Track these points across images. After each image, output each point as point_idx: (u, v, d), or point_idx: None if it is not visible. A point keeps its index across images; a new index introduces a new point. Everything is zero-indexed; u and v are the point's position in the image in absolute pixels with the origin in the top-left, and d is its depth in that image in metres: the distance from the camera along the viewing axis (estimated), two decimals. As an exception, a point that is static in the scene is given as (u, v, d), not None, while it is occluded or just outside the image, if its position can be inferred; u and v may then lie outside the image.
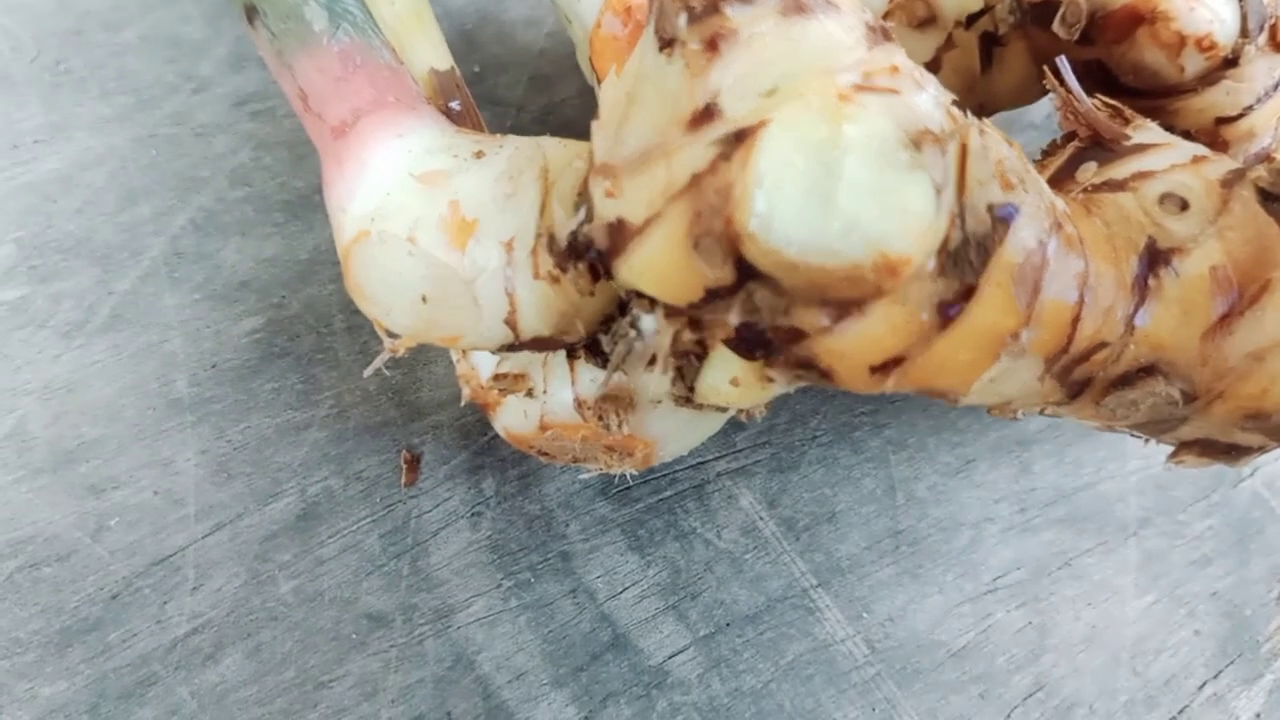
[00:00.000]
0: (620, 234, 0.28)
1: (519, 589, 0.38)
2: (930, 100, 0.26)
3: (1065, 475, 0.44)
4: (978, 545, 0.42)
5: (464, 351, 0.37)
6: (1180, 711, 0.41)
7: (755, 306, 0.27)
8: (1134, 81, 0.35)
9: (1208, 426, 0.30)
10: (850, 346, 0.27)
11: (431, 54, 0.37)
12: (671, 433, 0.34)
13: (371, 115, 0.33)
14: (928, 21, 0.40)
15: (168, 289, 0.41)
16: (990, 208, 0.26)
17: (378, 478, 0.39)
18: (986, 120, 0.28)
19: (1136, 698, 0.40)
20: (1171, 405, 0.29)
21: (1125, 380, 0.29)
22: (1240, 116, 0.35)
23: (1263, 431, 0.29)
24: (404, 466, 0.39)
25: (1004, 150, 0.27)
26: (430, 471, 0.39)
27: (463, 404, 0.37)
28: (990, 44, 0.39)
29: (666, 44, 0.27)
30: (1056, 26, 0.35)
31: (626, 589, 0.39)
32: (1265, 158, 0.37)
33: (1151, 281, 0.28)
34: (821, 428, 0.43)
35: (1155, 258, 0.28)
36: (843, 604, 0.40)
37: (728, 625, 0.39)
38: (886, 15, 0.40)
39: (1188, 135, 0.36)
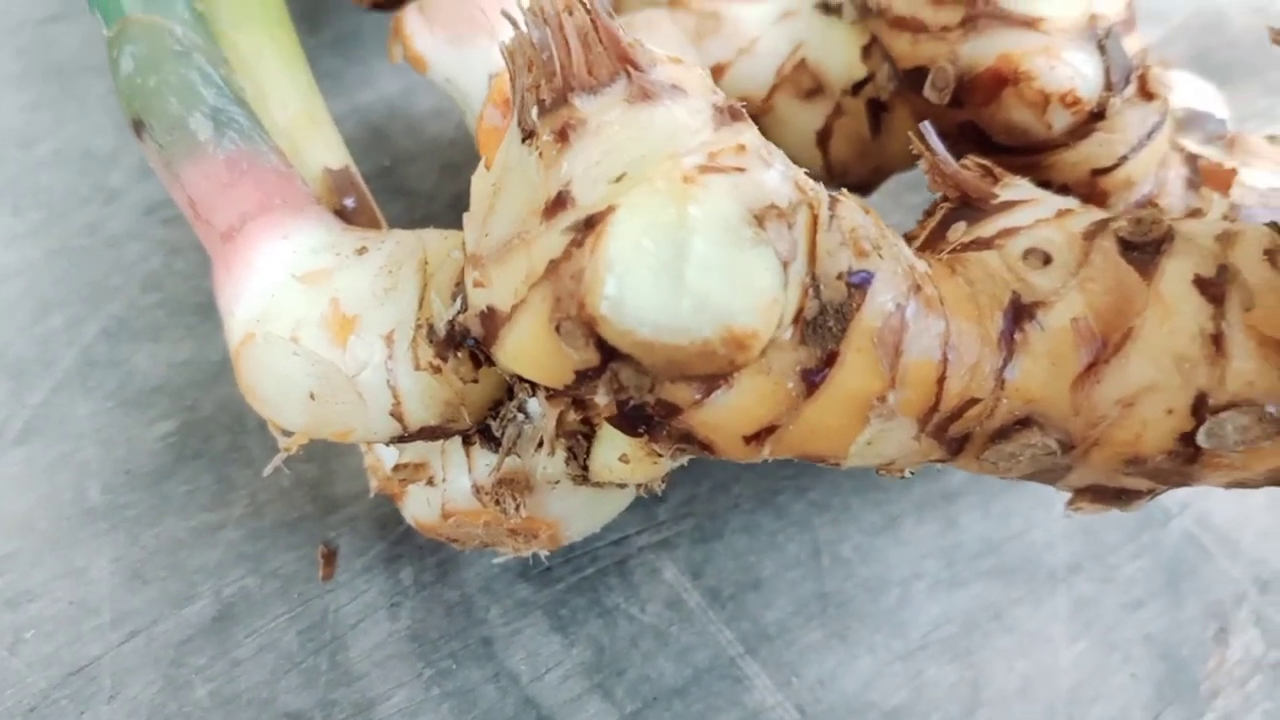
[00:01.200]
0: (492, 322, 0.28)
1: (440, 677, 0.38)
2: (777, 175, 0.27)
3: (992, 527, 0.45)
4: (906, 603, 0.42)
5: (368, 444, 0.37)
6: (1120, 759, 0.40)
7: (622, 385, 0.27)
8: (1007, 140, 0.35)
9: (1092, 473, 0.30)
10: (722, 418, 0.28)
11: (326, 153, 0.38)
12: (574, 512, 0.35)
13: (258, 219, 0.33)
14: (815, 91, 0.40)
15: (80, 398, 0.42)
16: (843, 275, 0.27)
17: (294, 574, 0.39)
18: (844, 191, 0.29)
19: (1075, 748, 0.40)
20: (1050, 455, 0.29)
21: (1002, 434, 0.29)
22: (1116, 166, 0.36)
23: (1144, 475, 0.30)
24: (321, 561, 0.39)
25: (859, 219, 0.28)
26: (347, 564, 0.39)
27: (371, 495, 0.38)
28: (877, 110, 0.40)
29: (528, 135, 0.28)
30: (927, 91, 0.35)
31: (550, 670, 0.39)
32: (1148, 204, 0.38)
33: (1018, 336, 0.29)
34: (744, 494, 0.44)
35: (1020, 312, 0.29)
36: (771, 670, 0.40)
37: (655, 700, 0.39)
38: (775, 88, 0.41)
39: (1065, 189, 0.36)
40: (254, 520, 0.40)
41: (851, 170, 0.42)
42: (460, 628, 0.39)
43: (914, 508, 0.44)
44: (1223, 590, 0.45)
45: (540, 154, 0.27)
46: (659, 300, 0.25)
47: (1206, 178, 0.38)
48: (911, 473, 0.31)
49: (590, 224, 0.26)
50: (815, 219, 0.27)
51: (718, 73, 0.41)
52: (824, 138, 0.41)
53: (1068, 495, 0.42)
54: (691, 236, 0.25)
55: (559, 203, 0.27)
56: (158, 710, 0.36)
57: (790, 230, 0.26)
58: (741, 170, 0.26)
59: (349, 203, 0.37)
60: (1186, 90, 0.44)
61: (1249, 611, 0.44)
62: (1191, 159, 0.39)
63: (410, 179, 0.49)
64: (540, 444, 0.32)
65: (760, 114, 0.41)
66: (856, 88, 0.40)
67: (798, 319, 0.27)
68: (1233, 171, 0.38)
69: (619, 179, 0.26)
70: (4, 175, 0.48)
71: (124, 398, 0.42)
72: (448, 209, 0.48)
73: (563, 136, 0.27)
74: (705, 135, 0.27)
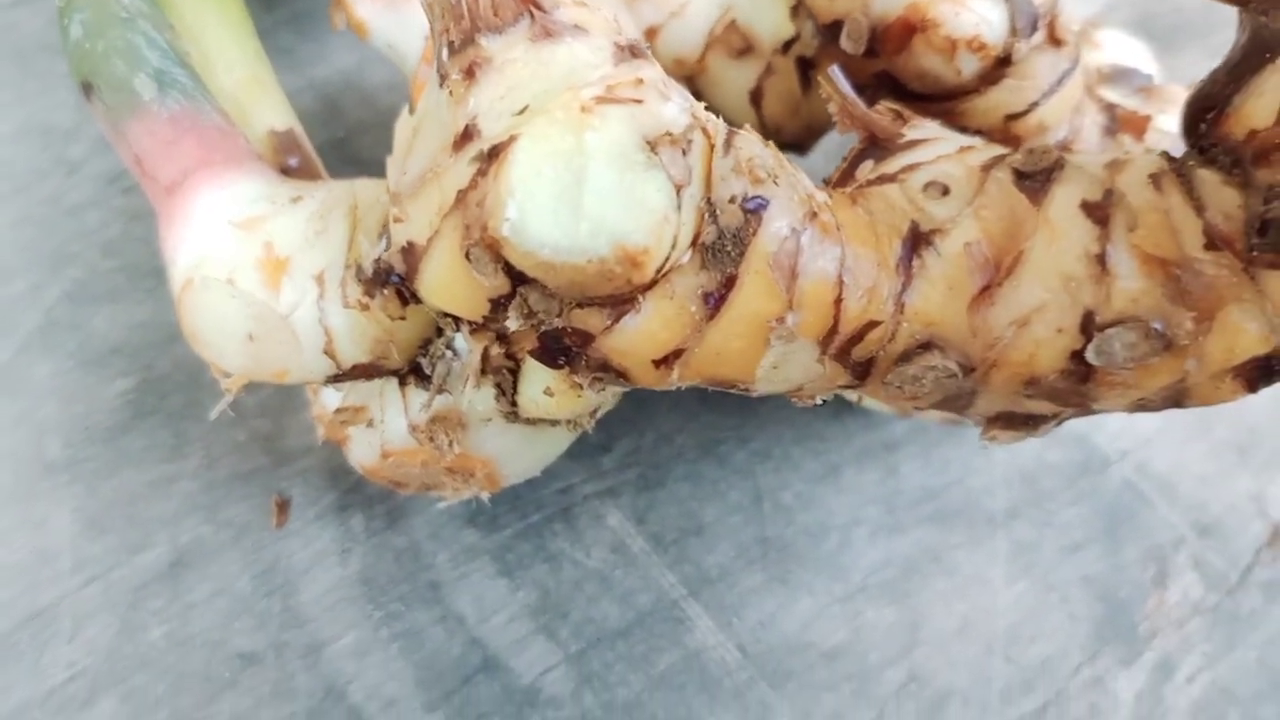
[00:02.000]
0: (411, 256, 0.30)
1: (389, 620, 0.39)
2: (675, 107, 0.28)
3: (932, 475, 0.46)
4: (846, 548, 0.43)
5: (315, 392, 0.38)
6: (1057, 695, 0.41)
7: (532, 310, 0.28)
8: (921, 87, 0.37)
9: (996, 398, 0.32)
10: (632, 343, 0.29)
11: (271, 115, 0.39)
12: (509, 450, 0.36)
13: (199, 173, 0.35)
14: (746, 51, 0.42)
15: (42, 358, 0.43)
16: (737, 199, 0.28)
17: (248, 523, 0.40)
18: (749, 127, 0.30)
19: (1012, 684, 0.41)
20: (952, 379, 0.30)
21: (904, 357, 0.31)
22: (1028, 112, 0.37)
23: (1044, 396, 0.31)
24: (274, 510, 0.40)
25: (756, 149, 0.29)
26: (299, 514, 0.41)
27: (319, 443, 0.39)
28: (806, 68, 0.42)
29: (443, 79, 0.30)
30: (843, 43, 0.37)
31: (496, 613, 0.40)
32: (1064, 149, 0.39)
33: (915, 262, 0.30)
34: (687, 445, 0.45)
35: (918, 240, 0.30)
36: (713, 612, 0.41)
37: (598, 641, 0.40)
38: (707, 49, 0.42)
39: (979, 135, 0.38)
40: (209, 472, 0.41)
41: (785, 128, 0.43)
42: (409, 573, 0.40)
43: (855, 456, 0.46)
44: (1161, 535, 0.46)
45: (451, 93, 0.29)
46: (558, 223, 0.26)
47: (1123, 124, 0.39)
48: (824, 400, 0.33)
49: (494, 153, 0.27)
50: (711, 147, 0.28)
51: (650, 35, 0.42)
52: (757, 97, 0.42)
53: (986, 444, 0.44)
54: (588, 162, 0.26)
55: (466, 135, 0.28)
56: (115, 651, 0.38)
57: (685, 156, 0.27)
58: (639, 102, 0.27)
59: (293, 162, 0.39)
60: (1115, 47, 0.45)
61: (1187, 555, 0.45)
62: (1109, 107, 0.40)
63: (364, 149, 0.51)
64: (468, 380, 0.33)
65: (694, 75, 0.43)
66: (786, 46, 0.41)
67: (696, 243, 0.28)
68: (1147, 118, 0.39)
69: (522, 111, 0.27)
70: (-31, 153, 0.49)
71: (84, 358, 0.43)
72: (402, 178, 0.50)
73: (470, 74, 0.28)
74: (605, 70, 0.28)
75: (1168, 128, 0.40)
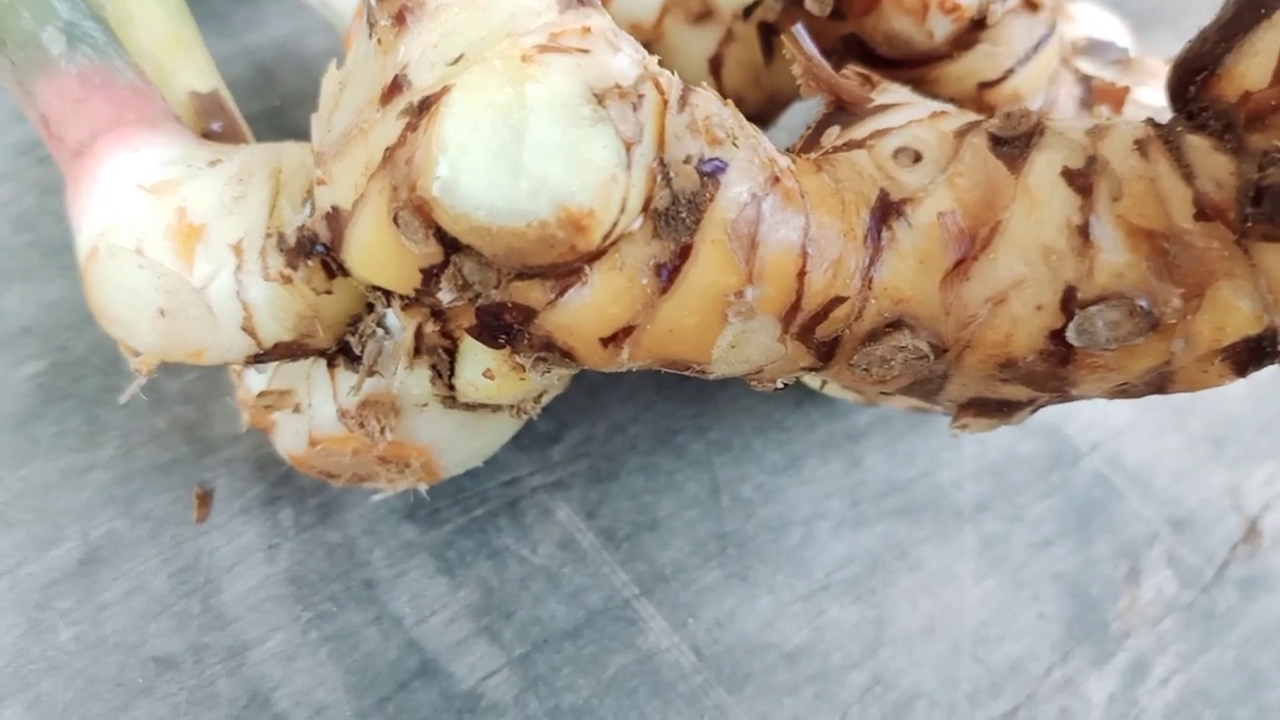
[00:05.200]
0: (337, 222, 0.27)
1: (319, 620, 0.36)
2: (625, 59, 0.26)
3: (898, 467, 0.44)
4: (809, 543, 0.41)
5: (239, 375, 0.35)
6: (1027, 698, 0.39)
7: (466, 281, 0.26)
8: (890, 52, 0.35)
9: (969, 382, 0.29)
10: (577, 319, 0.27)
11: (194, 77, 0.36)
12: (448, 438, 0.33)
13: (109, 134, 0.32)
14: (705, 16, 0.39)
15: (-56, 339, 0.40)
16: (693, 161, 0.25)
17: (166, 517, 0.37)
18: (705, 85, 0.28)
19: (980, 686, 0.39)
20: (922, 360, 0.28)
21: (872, 336, 0.28)
22: (1003, 79, 0.35)
23: (1020, 381, 0.29)
24: (195, 503, 0.38)
25: (714, 107, 0.27)
26: (224, 506, 0.38)
27: (244, 430, 0.36)
28: (769, 34, 0.39)
29: (373, 27, 0.27)
30: (808, 4, 0.34)
31: (435, 613, 0.37)
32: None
33: (885, 234, 0.28)
34: (641, 435, 0.42)
35: (887, 209, 0.28)
36: (667, 612, 0.39)
37: (545, 642, 0.37)
38: (664, 13, 0.40)
39: (953, 104, 0.35)
40: (125, 462, 0.38)
41: (746, 98, 0.41)
42: (342, 570, 0.38)
43: (817, 447, 0.43)
44: (1134, 530, 0.44)
45: (379, 41, 0.26)
46: (495, 181, 0.24)
47: (1100, 96, 0.37)
48: (785, 384, 0.30)
49: (425, 106, 0.24)
50: (664, 103, 0.26)
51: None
52: (716, 65, 0.40)
53: (957, 433, 0.42)
54: (529, 116, 0.24)
55: (395, 87, 0.25)
56: (20, 654, 0.35)
57: (635, 112, 0.25)
58: (585, 51, 0.25)
59: (216, 126, 0.36)
60: (1089, 20, 0.43)
61: (1161, 551, 0.44)
62: (1085, 78, 0.38)
63: (301, 120, 0.47)
64: (401, 361, 0.30)
65: (651, 41, 0.40)
66: (747, 11, 0.39)
67: (648, 209, 0.26)
68: (1125, 89, 0.37)
69: (456, 61, 0.25)
70: (-125, 119, 0.46)
71: (-9, 339, 0.40)
72: (341, 152, 0.47)
73: (400, 19, 0.26)
74: (549, 17, 0.26)
75: (1147, 100, 0.38)
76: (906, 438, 0.44)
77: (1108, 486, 0.45)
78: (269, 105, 0.48)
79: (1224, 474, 0.46)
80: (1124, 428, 0.46)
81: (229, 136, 0.36)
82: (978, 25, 0.34)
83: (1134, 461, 0.46)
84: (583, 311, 0.26)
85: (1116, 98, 0.37)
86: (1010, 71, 0.35)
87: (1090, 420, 0.46)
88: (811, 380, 0.41)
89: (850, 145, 0.30)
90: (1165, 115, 0.36)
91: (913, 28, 0.33)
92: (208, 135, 0.35)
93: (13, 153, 0.45)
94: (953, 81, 0.35)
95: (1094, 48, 0.41)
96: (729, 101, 0.27)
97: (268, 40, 0.51)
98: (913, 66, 0.35)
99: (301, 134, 0.45)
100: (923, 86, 0.35)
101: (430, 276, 0.26)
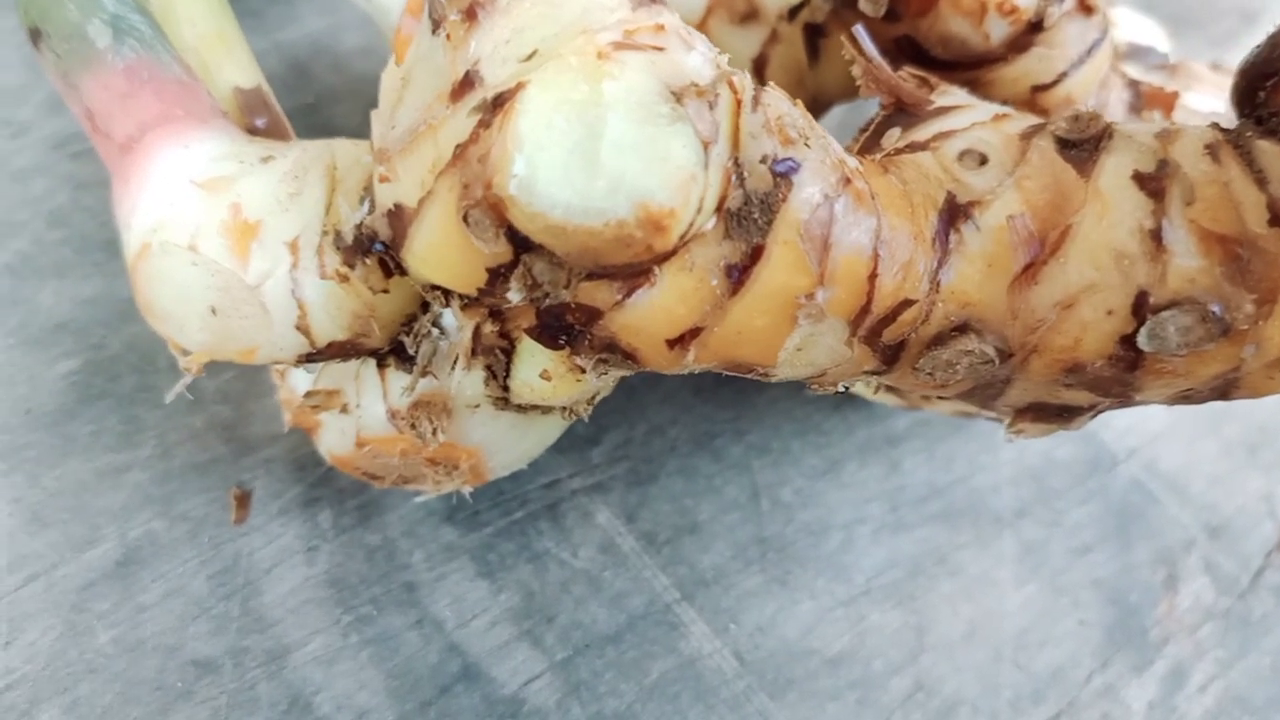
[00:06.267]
0: (399, 220, 0.27)
1: (360, 624, 0.36)
2: (699, 57, 0.25)
3: (937, 471, 0.43)
4: (849, 547, 0.41)
5: (282, 374, 0.35)
6: (1068, 705, 0.39)
7: (536, 281, 0.25)
8: (944, 54, 0.34)
9: (1031, 387, 0.29)
10: (644, 320, 0.26)
11: (237, 73, 0.36)
12: (497, 440, 0.33)
13: (158, 129, 0.31)
14: (750, 16, 0.39)
15: (-21, 336, 0.39)
16: (767, 161, 0.25)
17: (205, 517, 0.37)
18: (774, 85, 0.28)
19: (1021, 693, 0.39)
20: (988, 364, 0.28)
21: (938, 340, 0.28)
22: (1056, 83, 0.35)
23: (1085, 386, 0.28)
24: (233, 504, 0.37)
25: (785, 107, 0.26)
26: (262, 508, 0.37)
27: (286, 430, 0.36)
28: (814, 35, 0.39)
29: (437, 25, 0.27)
30: (862, 4, 0.34)
31: (476, 616, 0.37)
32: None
33: (953, 237, 0.28)
34: (680, 437, 0.42)
35: (955, 212, 0.28)
36: (708, 617, 0.38)
37: (587, 647, 0.37)
38: (709, 12, 0.39)
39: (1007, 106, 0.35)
40: (162, 462, 0.38)
41: (789, 100, 0.40)
42: (382, 573, 0.37)
43: (856, 451, 0.43)
44: (1171, 536, 0.44)
45: (448, 36, 0.26)
46: (571, 179, 0.23)
47: (1149, 101, 0.37)
48: (846, 388, 0.30)
49: (499, 103, 0.24)
50: (739, 102, 0.25)
51: (650, -3, 0.39)
52: (760, 66, 0.40)
53: (1012, 438, 0.42)
54: (606, 113, 0.23)
55: (466, 83, 0.25)
56: (57, 656, 0.34)
57: (711, 111, 0.24)
58: (660, 49, 0.25)
59: (260, 123, 0.35)
60: (1128, 25, 0.43)
61: (1198, 558, 0.44)
62: (1134, 83, 0.38)
63: (336, 117, 0.47)
64: (456, 361, 0.30)
65: (695, 41, 0.40)
66: (793, 13, 0.39)
67: (721, 209, 0.25)
68: (1175, 94, 0.37)
69: (529, 57, 0.24)
70: (-94, 111, 0.45)
71: (26, 335, 0.40)
72: (375, 149, 0.47)
73: (471, 15, 0.25)
74: (623, 14, 0.25)
75: (1195, 105, 0.38)
76: (945, 442, 0.44)
77: (1145, 492, 0.45)
78: (303, 102, 0.48)
79: (1259, 480, 0.46)
80: (1160, 433, 0.46)
81: (273, 132, 0.35)
82: (1034, 28, 0.33)
83: (1170, 467, 0.46)
84: (650, 313, 0.26)
85: (1166, 103, 0.37)
86: (1064, 75, 0.35)
87: (1127, 426, 0.46)
88: (863, 386, 0.40)
89: (913, 147, 0.30)
90: (1213, 120, 0.36)
91: (969, 29, 0.33)
92: (252, 131, 0.35)
93: (45, 147, 0.44)
94: (1007, 84, 0.35)
95: (1136, 52, 0.41)
96: (798, 102, 0.27)
97: (301, 37, 0.50)
98: (966, 69, 0.34)
99: (336, 130, 0.45)
100: (976, 89, 0.35)
101: (496, 276, 0.26)
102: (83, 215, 0.43)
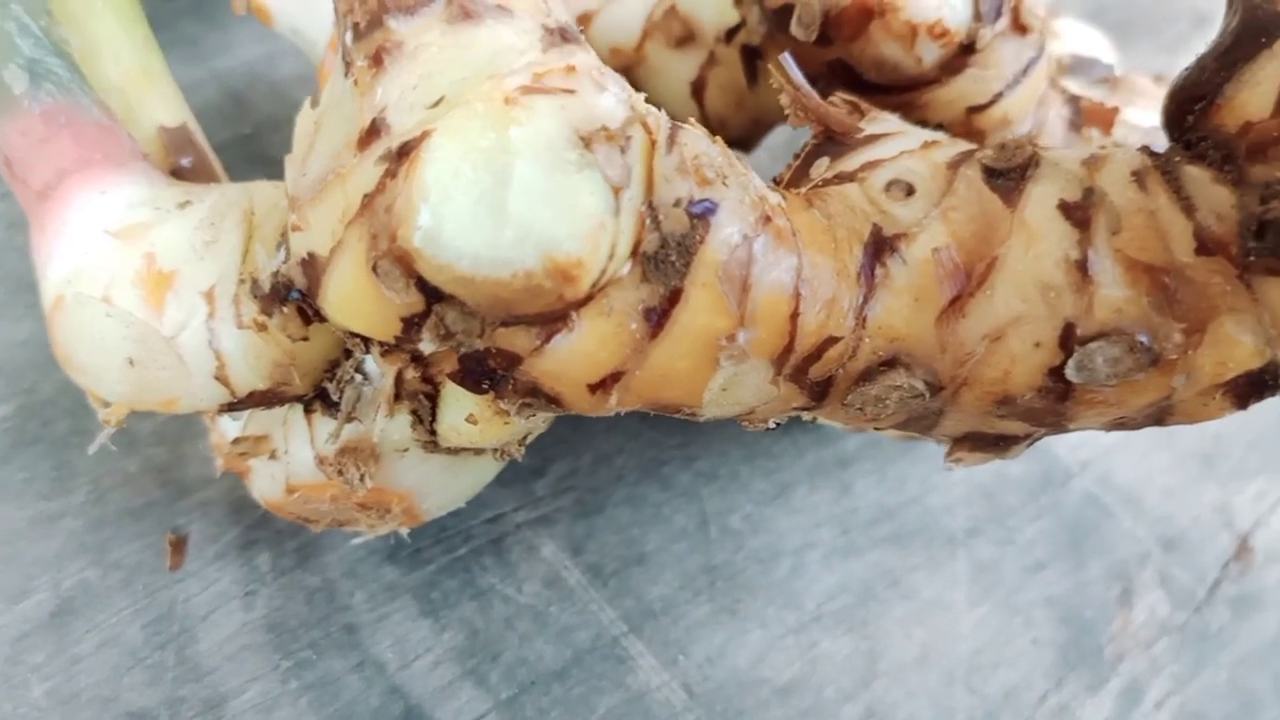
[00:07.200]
0: (313, 269, 0.26)
1: (299, 669, 0.35)
2: (612, 98, 0.25)
3: (888, 492, 0.43)
4: (799, 573, 0.40)
5: (212, 418, 0.34)
6: (1023, 726, 0.39)
7: (449, 330, 0.25)
8: (878, 77, 0.34)
9: (965, 418, 0.29)
10: (565, 366, 0.26)
11: (162, 110, 0.35)
12: (429, 483, 0.32)
13: (75, 175, 0.31)
14: (687, 40, 0.39)
15: (-95, 382, 0.39)
16: (682, 204, 0.25)
17: (139, 564, 0.36)
18: (694, 121, 0.27)
19: (974, 716, 0.39)
20: (918, 398, 0.27)
21: (866, 376, 0.28)
22: (992, 103, 0.35)
23: (1018, 417, 0.28)
24: (169, 549, 0.36)
25: (702, 145, 0.26)
26: (198, 552, 0.37)
27: (219, 476, 0.35)
28: (752, 58, 0.38)
29: (348, 66, 0.26)
30: (794, 29, 0.34)
31: (419, 657, 0.36)
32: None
33: (879, 271, 0.27)
34: (628, 466, 0.42)
35: (881, 246, 0.27)
36: (656, 649, 0.38)
37: (532, 684, 0.36)
38: (645, 36, 0.39)
39: (941, 129, 0.35)
40: (96, 508, 0.37)
41: (729, 122, 0.40)
42: (321, 615, 0.36)
43: (806, 475, 0.43)
44: (1126, 550, 0.44)
45: (356, 82, 0.25)
46: (479, 229, 0.23)
47: (1089, 117, 0.37)
48: (777, 423, 0.30)
49: (404, 151, 0.24)
50: (652, 143, 0.25)
51: (585, 21, 0.39)
52: (699, 88, 0.39)
53: (951, 466, 0.41)
54: (513, 161, 0.23)
55: (373, 131, 0.24)
56: (-13, 713, 0.33)
57: (623, 155, 0.24)
58: (570, 92, 0.24)
59: (185, 162, 0.35)
60: (1073, 36, 0.43)
61: (1153, 571, 0.43)
62: (1073, 99, 0.38)
63: (273, 147, 0.47)
64: (380, 408, 0.29)
65: (632, 65, 0.39)
66: (730, 34, 0.38)
67: (636, 253, 0.25)
68: (1115, 110, 0.37)
69: (436, 103, 0.24)
70: None
71: (-46, 381, 0.39)
72: (314, 179, 0.46)
73: (377, 61, 0.25)
74: (532, 56, 0.25)
75: (1135, 120, 0.37)
76: (896, 462, 0.44)
77: (1099, 506, 0.44)
78: (240, 132, 0.47)
79: (1214, 491, 0.46)
80: (1113, 446, 0.46)
81: (199, 172, 0.35)
82: (966, 50, 0.33)
83: (1124, 480, 0.45)
84: (570, 358, 0.26)
85: (1106, 119, 0.37)
86: (999, 95, 0.34)
87: (1079, 439, 0.46)
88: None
89: (841, 178, 0.29)
90: (1155, 135, 0.36)
91: (901, 53, 0.33)
92: (177, 171, 0.34)
93: (-26, 187, 0.44)
94: (941, 106, 0.34)
95: (1080, 65, 0.41)
96: (717, 139, 0.27)
97: (238, 65, 0.49)
98: (901, 92, 0.34)
99: (274, 160, 0.44)
100: (911, 112, 0.34)
101: (411, 325, 0.25)
102: (15, 255, 0.42)
